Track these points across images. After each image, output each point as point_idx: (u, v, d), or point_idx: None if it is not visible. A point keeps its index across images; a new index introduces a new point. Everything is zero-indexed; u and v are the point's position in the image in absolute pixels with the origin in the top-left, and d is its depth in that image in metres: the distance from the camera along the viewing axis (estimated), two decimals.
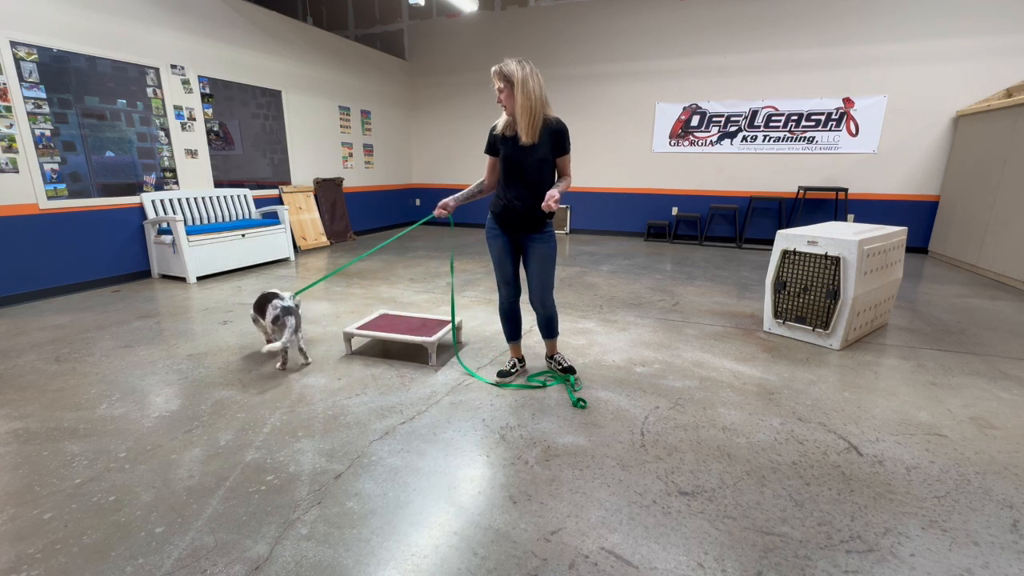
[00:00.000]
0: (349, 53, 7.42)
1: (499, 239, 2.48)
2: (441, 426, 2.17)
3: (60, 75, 4.16)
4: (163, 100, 4.95)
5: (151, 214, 4.82)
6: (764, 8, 6.62)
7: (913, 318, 3.77)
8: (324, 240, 6.98)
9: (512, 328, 2.69)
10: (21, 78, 3.92)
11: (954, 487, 1.77)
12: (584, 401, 2.39)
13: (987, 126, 5.47)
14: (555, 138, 2.27)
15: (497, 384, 2.58)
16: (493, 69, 2.19)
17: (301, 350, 2.80)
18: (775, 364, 2.88)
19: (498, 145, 2.36)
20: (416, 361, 2.87)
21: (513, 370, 2.68)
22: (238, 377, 2.64)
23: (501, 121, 2.33)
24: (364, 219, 8.11)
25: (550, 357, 2.73)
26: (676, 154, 7.50)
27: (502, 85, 2.17)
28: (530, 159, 2.28)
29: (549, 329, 2.63)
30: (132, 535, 1.52)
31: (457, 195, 2.52)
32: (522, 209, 2.35)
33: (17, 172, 3.94)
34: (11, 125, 3.88)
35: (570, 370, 2.66)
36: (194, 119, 5.25)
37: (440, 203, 2.46)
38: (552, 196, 2.14)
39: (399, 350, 3.03)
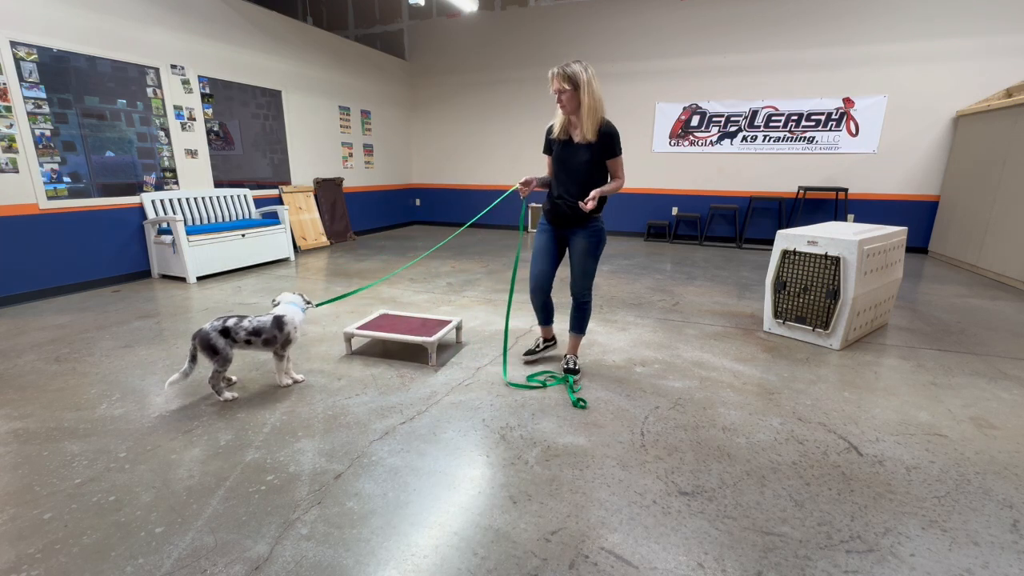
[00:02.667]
0: (349, 53, 7.42)
1: (545, 234, 2.63)
2: (441, 426, 2.17)
3: (60, 75, 4.16)
4: (163, 100, 4.95)
5: (151, 214, 4.82)
6: (765, 8, 6.62)
7: (913, 318, 3.77)
8: (324, 240, 6.98)
9: (543, 315, 2.84)
10: (21, 78, 3.92)
11: (954, 487, 1.77)
12: (584, 401, 2.39)
13: (987, 126, 5.47)
14: (604, 140, 2.36)
15: (525, 361, 2.85)
16: (554, 71, 2.26)
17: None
18: (775, 364, 2.88)
19: (552, 146, 2.49)
20: (416, 361, 2.87)
21: (538, 348, 2.90)
22: (238, 377, 2.64)
23: (557, 123, 2.44)
24: (364, 219, 8.11)
25: (566, 355, 2.77)
26: (676, 154, 7.50)
27: (565, 87, 2.25)
28: (579, 160, 2.40)
29: (578, 321, 2.70)
30: (132, 535, 1.52)
31: (538, 177, 2.58)
32: (568, 207, 2.48)
33: (17, 172, 3.94)
34: (11, 125, 3.87)
35: (573, 371, 2.66)
36: (194, 119, 5.25)
37: (524, 179, 2.49)
38: (589, 195, 2.29)
39: (399, 350, 3.03)
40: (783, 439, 2.08)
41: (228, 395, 2.39)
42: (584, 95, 2.25)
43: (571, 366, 2.68)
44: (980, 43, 5.86)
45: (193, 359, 2.29)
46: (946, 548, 1.48)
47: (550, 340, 2.95)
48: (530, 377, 2.66)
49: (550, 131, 2.50)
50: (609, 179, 2.49)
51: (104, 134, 4.49)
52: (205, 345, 2.31)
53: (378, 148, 8.29)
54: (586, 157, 2.38)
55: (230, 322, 2.36)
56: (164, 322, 3.57)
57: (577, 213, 2.46)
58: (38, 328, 3.43)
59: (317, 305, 2.82)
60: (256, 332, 2.39)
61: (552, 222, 2.59)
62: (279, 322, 2.44)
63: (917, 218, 6.55)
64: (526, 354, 2.87)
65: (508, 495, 1.71)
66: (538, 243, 2.66)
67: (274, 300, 2.60)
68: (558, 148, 2.46)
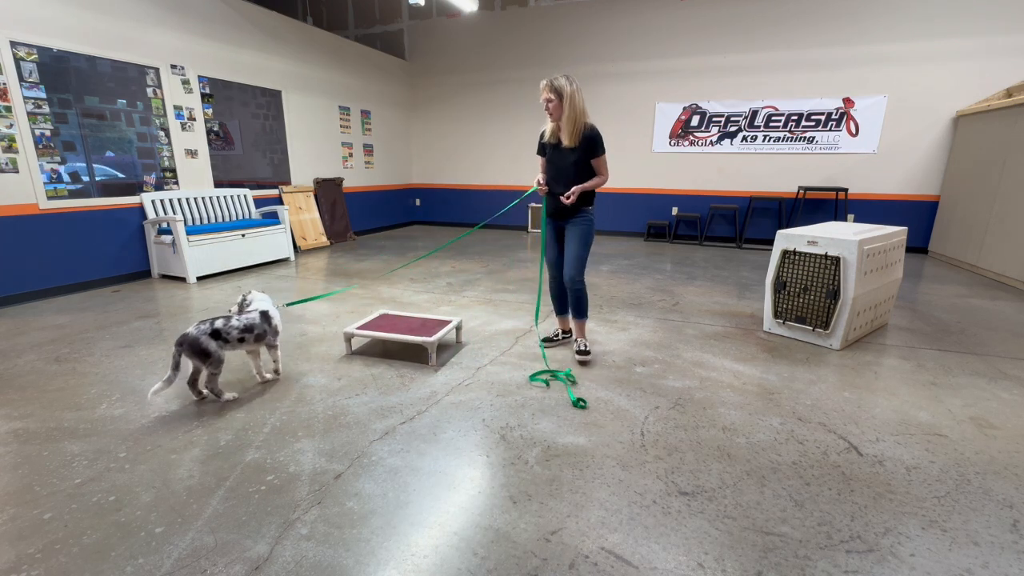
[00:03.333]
0: (349, 53, 7.42)
1: (549, 226, 2.96)
2: (441, 426, 2.17)
3: (60, 75, 4.16)
4: (163, 100, 4.95)
5: (151, 214, 4.82)
6: (764, 8, 6.62)
7: (913, 318, 3.77)
8: (324, 240, 6.98)
9: (559, 304, 3.12)
10: (21, 78, 3.91)
11: (954, 487, 1.77)
12: (584, 401, 2.39)
13: (987, 126, 5.47)
14: (586, 143, 2.66)
15: (542, 346, 3.03)
16: (543, 83, 2.58)
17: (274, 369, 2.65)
18: (775, 364, 2.88)
19: (545, 149, 2.83)
20: (416, 361, 2.87)
21: (556, 337, 3.16)
22: (238, 377, 2.64)
23: (548, 129, 2.77)
24: (364, 219, 8.11)
25: (575, 339, 2.98)
26: (676, 154, 7.50)
27: (552, 97, 2.57)
28: (567, 161, 2.71)
29: (576, 307, 2.90)
30: (132, 535, 1.52)
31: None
32: (560, 202, 2.76)
33: (17, 172, 3.94)
34: (11, 125, 3.87)
35: (585, 352, 2.86)
36: (194, 119, 5.25)
37: (538, 179, 2.84)
38: (570, 191, 2.66)
39: (399, 350, 3.03)
40: (783, 439, 2.08)
41: (229, 395, 2.39)
42: (566, 106, 2.56)
43: (582, 348, 2.88)
44: (980, 43, 5.86)
45: (176, 367, 2.23)
46: (946, 548, 1.48)
47: (568, 332, 3.17)
48: (531, 376, 2.67)
49: (542, 136, 2.82)
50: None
51: (104, 134, 4.49)
52: (196, 351, 2.26)
53: (378, 148, 8.29)
54: (572, 159, 2.69)
55: (218, 323, 2.33)
56: (164, 322, 3.57)
57: (568, 206, 2.75)
58: (38, 328, 3.43)
59: (287, 305, 3.00)
60: (248, 329, 2.41)
61: (551, 216, 2.93)
62: (266, 316, 2.50)
63: (917, 218, 6.54)
64: (544, 340, 3.11)
65: (508, 495, 1.71)
66: (545, 236, 2.99)
67: (243, 297, 2.61)
68: (549, 151, 2.79)
